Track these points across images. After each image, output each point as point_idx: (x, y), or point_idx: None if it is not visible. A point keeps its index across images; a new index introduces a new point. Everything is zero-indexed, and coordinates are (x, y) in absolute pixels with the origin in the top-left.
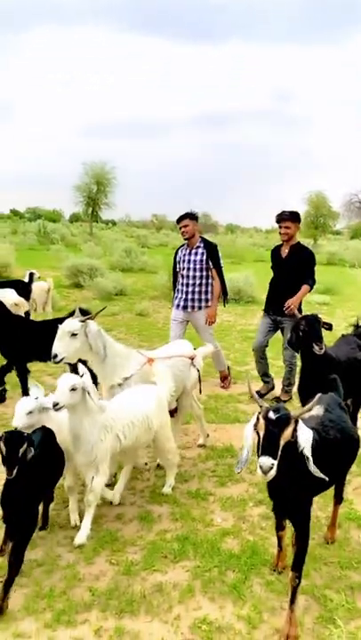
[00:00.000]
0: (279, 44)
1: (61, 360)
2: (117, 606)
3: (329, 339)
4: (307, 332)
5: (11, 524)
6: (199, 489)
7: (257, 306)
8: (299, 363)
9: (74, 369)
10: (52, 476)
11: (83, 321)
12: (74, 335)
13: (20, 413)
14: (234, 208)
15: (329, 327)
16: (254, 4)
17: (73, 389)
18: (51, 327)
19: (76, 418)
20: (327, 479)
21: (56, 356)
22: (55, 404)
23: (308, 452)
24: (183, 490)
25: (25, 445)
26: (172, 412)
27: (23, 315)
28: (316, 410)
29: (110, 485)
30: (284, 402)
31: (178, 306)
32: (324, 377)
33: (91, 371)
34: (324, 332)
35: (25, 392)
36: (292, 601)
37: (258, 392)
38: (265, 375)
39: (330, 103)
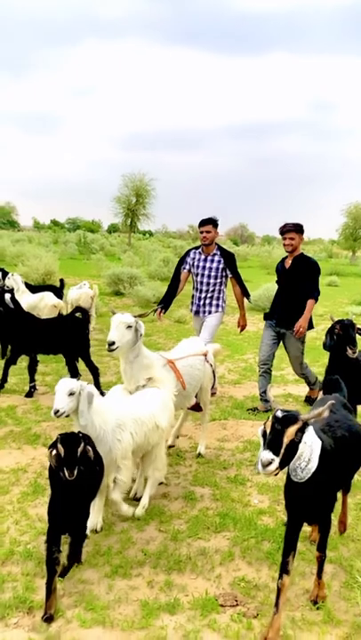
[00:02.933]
0: (320, 55)
1: (116, 348)
2: (166, 565)
3: None
4: (341, 335)
5: (70, 524)
6: (237, 475)
7: None
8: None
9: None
10: (99, 478)
11: (136, 316)
12: (129, 327)
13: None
14: (271, 219)
15: None
16: (295, 15)
17: (71, 394)
18: (54, 324)
19: (85, 419)
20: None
21: (113, 343)
22: (56, 412)
23: (305, 456)
24: (223, 476)
25: (82, 445)
26: (197, 407)
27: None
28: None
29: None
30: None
31: (195, 312)
32: (350, 379)
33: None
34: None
35: (3, 381)
36: (320, 570)
37: (255, 409)
38: (265, 393)
39: None
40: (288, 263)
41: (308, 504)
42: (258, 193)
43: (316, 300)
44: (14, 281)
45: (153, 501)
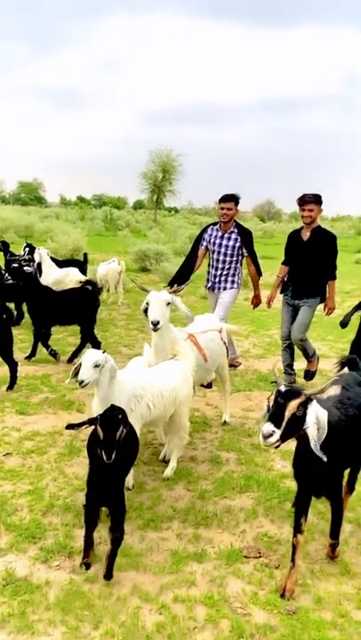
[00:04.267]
0: (353, 26)
1: (161, 327)
2: (194, 520)
3: None
4: None
5: (107, 496)
6: None
7: None
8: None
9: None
10: (134, 452)
11: (171, 292)
12: (168, 304)
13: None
14: (299, 195)
15: None
16: None
17: (96, 366)
18: (68, 296)
19: (105, 391)
20: (325, 459)
21: (158, 322)
22: (81, 382)
23: (312, 431)
24: (247, 442)
25: (121, 429)
26: (208, 384)
27: None
28: (334, 390)
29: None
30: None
31: (210, 288)
32: None
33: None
34: None
35: (33, 353)
36: (333, 551)
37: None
38: (289, 367)
39: None
40: (306, 235)
41: (314, 477)
42: (286, 168)
43: (335, 277)
44: (40, 255)
45: (181, 464)
